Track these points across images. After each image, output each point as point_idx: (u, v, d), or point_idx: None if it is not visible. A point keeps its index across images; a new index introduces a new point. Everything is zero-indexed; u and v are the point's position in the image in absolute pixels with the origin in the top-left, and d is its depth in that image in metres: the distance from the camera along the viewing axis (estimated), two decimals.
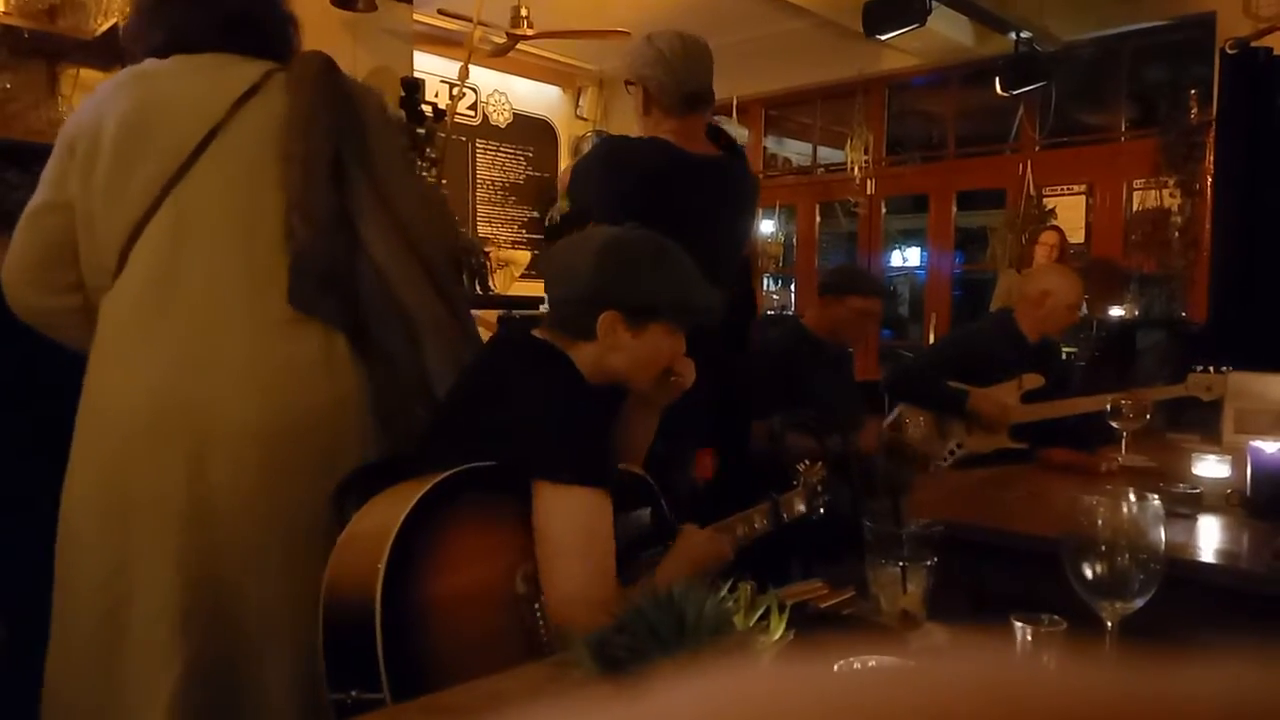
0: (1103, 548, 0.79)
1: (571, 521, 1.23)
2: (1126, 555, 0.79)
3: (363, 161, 1.48)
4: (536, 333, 1.41)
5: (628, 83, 2.21)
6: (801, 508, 1.68)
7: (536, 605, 1.22)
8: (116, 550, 1.37)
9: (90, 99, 1.51)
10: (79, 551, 1.41)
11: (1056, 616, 0.73)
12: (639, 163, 2.10)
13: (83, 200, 1.43)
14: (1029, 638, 0.71)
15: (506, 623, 1.21)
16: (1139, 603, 0.80)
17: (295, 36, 1.60)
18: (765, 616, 0.72)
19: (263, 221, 1.43)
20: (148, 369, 1.38)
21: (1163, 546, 0.81)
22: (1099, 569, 0.79)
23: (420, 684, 1.04)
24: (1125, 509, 0.80)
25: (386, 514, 1.17)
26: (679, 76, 2.13)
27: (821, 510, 1.71)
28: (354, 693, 1.09)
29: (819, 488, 1.72)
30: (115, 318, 1.42)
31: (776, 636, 0.70)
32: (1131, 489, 0.81)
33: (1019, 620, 0.73)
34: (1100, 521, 0.80)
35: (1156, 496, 0.81)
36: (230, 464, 1.36)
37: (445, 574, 1.17)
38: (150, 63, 1.50)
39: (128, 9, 3.47)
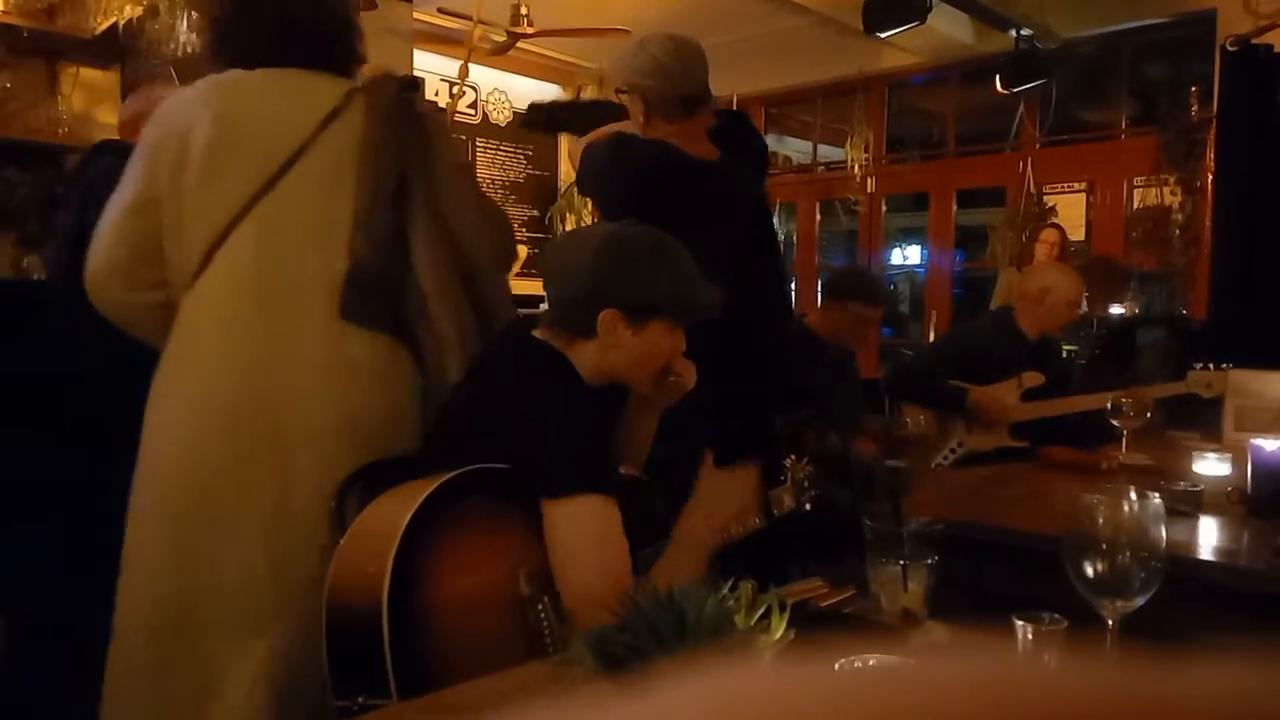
0: (1104, 546, 0.79)
1: (580, 530, 1.23)
2: (1127, 553, 0.79)
3: (425, 182, 1.56)
4: (536, 332, 1.40)
5: (620, 90, 2.20)
6: (790, 503, 1.70)
7: (540, 606, 1.22)
8: (197, 548, 1.42)
9: (176, 103, 1.57)
10: (154, 547, 1.45)
11: (1057, 615, 0.73)
12: (636, 164, 2.09)
13: (171, 201, 1.49)
14: (1030, 636, 0.71)
15: (511, 624, 1.20)
16: (1140, 601, 0.80)
17: (359, 44, 1.66)
18: (766, 616, 0.72)
19: (337, 235, 1.50)
20: (228, 371, 1.45)
21: (1163, 545, 0.80)
22: (1100, 567, 0.79)
23: (427, 687, 1.04)
24: (1126, 507, 0.80)
25: (390, 516, 1.16)
26: (675, 81, 2.13)
27: (808, 506, 1.73)
28: (361, 698, 1.09)
29: (806, 483, 1.74)
30: (195, 320, 1.49)
31: (777, 636, 0.70)
32: (1133, 487, 0.81)
33: (1020, 619, 0.73)
34: (1101, 520, 0.79)
35: (1157, 495, 0.81)
36: (314, 462, 1.43)
37: (449, 576, 1.17)
38: (235, 73, 1.55)
39: (126, 8, 3.49)
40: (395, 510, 1.16)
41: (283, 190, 1.50)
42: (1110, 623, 0.81)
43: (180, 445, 1.45)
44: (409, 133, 1.57)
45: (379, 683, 1.08)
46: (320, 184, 1.52)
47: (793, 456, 1.74)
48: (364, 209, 1.51)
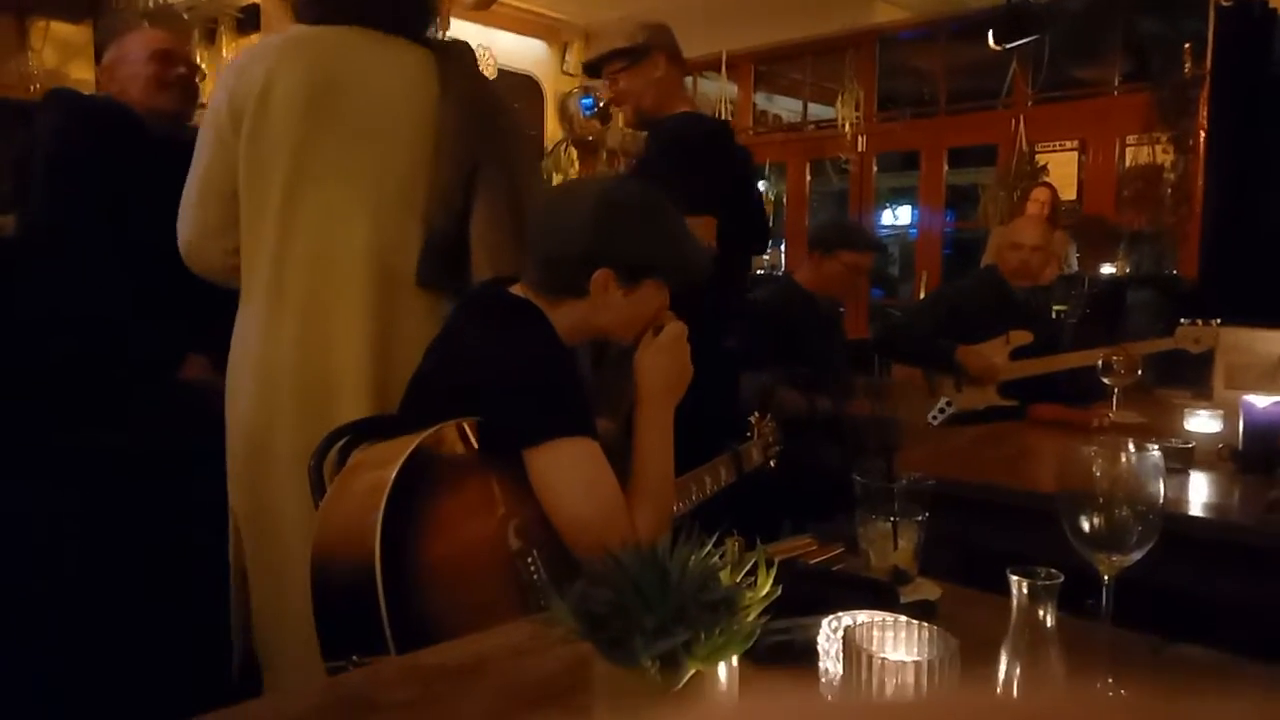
0: (1100, 500, 0.77)
1: (565, 474, 1.21)
2: (1125, 508, 0.77)
3: (496, 165, 1.61)
4: (515, 289, 1.37)
5: (641, 49, 2.24)
6: (758, 458, 1.70)
7: (530, 559, 1.21)
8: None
9: (248, 62, 1.55)
10: (283, 501, 1.55)
11: (1053, 570, 0.70)
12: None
13: (247, 162, 1.53)
14: (1025, 591, 0.69)
15: (503, 578, 1.19)
16: (1136, 555, 0.78)
17: (431, 11, 1.71)
18: (752, 573, 0.70)
19: (410, 200, 1.57)
20: (295, 336, 1.54)
21: (1161, 498, 0.78)
22: (1096, 522, 0.77)
23: (420, 642, 1.02)
24: (1124, 460, 0.77)
25: (376, 470, 1.14)
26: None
27: (773, 462, 1.74)
28: (355, 656, 1.06)
29: (771, 439, 1.74)
30: (271, 282, 1.54)
31: (763, 593, 0.67)
32: (1131, 440, 0.78)
33: (1015, 574, 0.70)
34: (1098, 473, 0.77)
35: (1156, 447, 0.78)
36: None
37: (437, 531, 1.14)
38: (322, 31, 1.57)
39: None
40: (380, 464, 1.13)
41: (362, 154, 1.54)
42: (1106, 578, 0.79)
43: (250, 404, 1.55)
44: (488, 122, 1.61)
45: (374, 640, 1.05)
46: (400, 150, 1.56)
47: (757, 413, 1.74)
48: (445, 184, 1.57)
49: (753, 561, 0.71)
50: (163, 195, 1.67)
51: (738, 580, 0.69)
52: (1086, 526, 0.77)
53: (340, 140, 1.53)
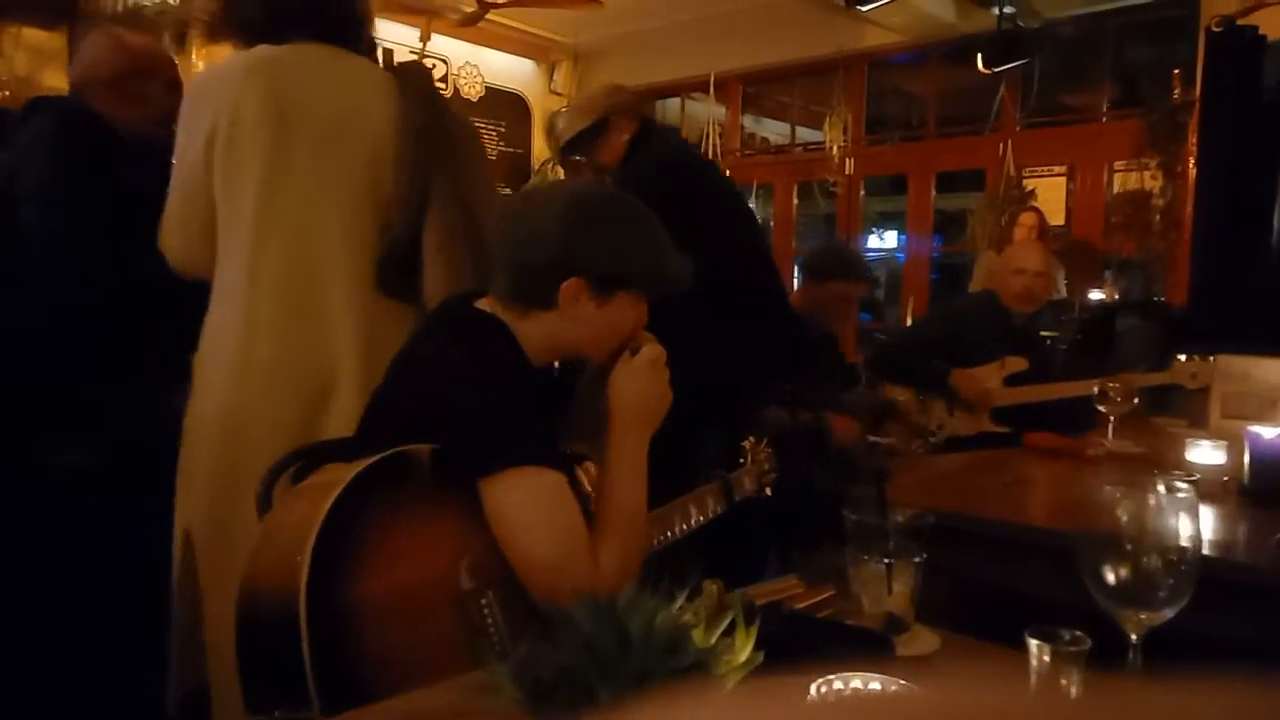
0: (1127, 547, 0.67)
1: (522, 507, 1.11)
2: (1154, 556, 0.67)
3: (451, 173, 1.65)
4: (481, 303, 1.27)
5: (602, 122, 2.43)
6: (750, 486, 1.60)
7: (484, 601, 1.10)
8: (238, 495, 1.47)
9: (218, 84, 1.61)
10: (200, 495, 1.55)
11: (1078, 633, 0.61)
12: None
13: (222, 176, 1.57)
14: (1046, 659, 0.59)
15: (454, 622, 1.08)
16: (1169, 613, 0.68)
17: (368, 26, 1.78)
18: (730, 631, 0.60)
19: (373, 211, 1.62)
20: (266, 336, 1.56)
21: (1199, 545, 0.69)
22: (1122, 572, 0.67)
23: (355, 697, 0.91)
24: (1152, 500, 0.68)
25: (310, 503, 1.03)
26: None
27: (768, 490, 1.64)
28: (278, 712, 0.95)
29: (766, 466, 1.65)
30: (240, 283, 1.57)
31: (742, 658, 0.57)
32: (1161, 478, 0.69)
33: (1035, 638, 0.61)
34: (1124, 516, 0.67)
35: (1189, 486, 0.69)
36: (340, 419, 1.53)
37: (379, 570, 1.04)
38: (281, 49, 1.62)
39: None
40: (316, 496, 1.03)
41: (328, 166, 1.60)
42: (1134, 637, 0.69)
43: (222, 401, 1.56)
44: (444, 128, 1.68)
45: (299, 693, 0.95)
46: (362, 161, 1.62)
47: (751, 439, 1.64)
48: (403, 191, 1.61)
49: (730, 616, 0.61)
50: (146, 204, 1.67)
51: (713, 640, 0.59)
52: (1111, 578, 0.67)
53: (308, 152, 1.59)
